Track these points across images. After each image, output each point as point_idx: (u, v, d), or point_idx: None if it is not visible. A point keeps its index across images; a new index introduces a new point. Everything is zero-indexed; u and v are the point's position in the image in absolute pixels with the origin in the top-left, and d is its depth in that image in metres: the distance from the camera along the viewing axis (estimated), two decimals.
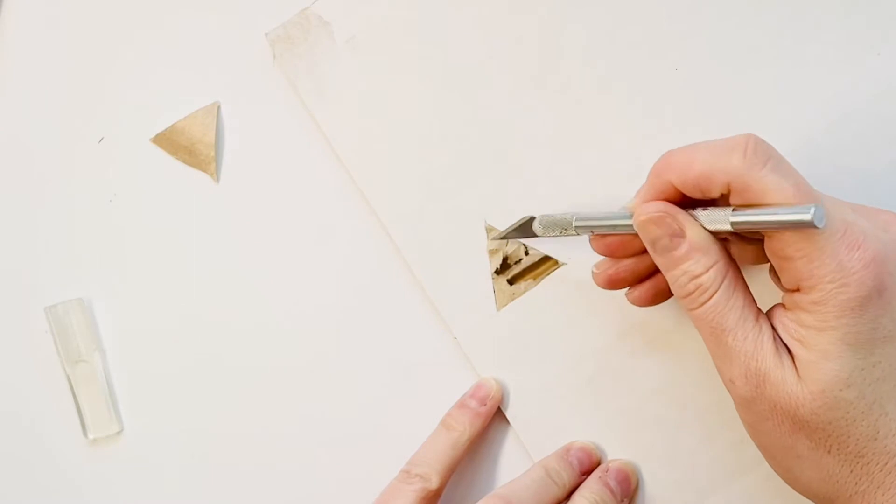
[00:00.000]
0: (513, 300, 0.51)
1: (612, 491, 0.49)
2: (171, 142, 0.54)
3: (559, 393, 0.51)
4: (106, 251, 0.54)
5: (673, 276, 0.42)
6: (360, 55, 0.52)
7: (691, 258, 0.41)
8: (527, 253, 0.51)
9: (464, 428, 0.50)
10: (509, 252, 0.51)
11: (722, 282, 0.40)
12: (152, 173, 0.54)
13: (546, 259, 0.51)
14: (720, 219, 0.40)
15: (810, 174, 0.40)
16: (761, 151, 0.39)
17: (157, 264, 0.54)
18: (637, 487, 0.50)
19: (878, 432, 0.39)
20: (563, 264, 0.51)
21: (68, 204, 0.55)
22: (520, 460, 0.51)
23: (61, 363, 0.54)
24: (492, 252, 0.51)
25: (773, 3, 0.49)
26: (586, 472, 0.50)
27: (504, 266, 0.51)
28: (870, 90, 0.49)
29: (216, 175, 0.54)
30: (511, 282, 0.51)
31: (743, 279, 0.41)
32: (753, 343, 0.40)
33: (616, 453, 0.50)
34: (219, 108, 0.54)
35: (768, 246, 0.40)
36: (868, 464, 0.40)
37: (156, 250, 0.54)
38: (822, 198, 0.39)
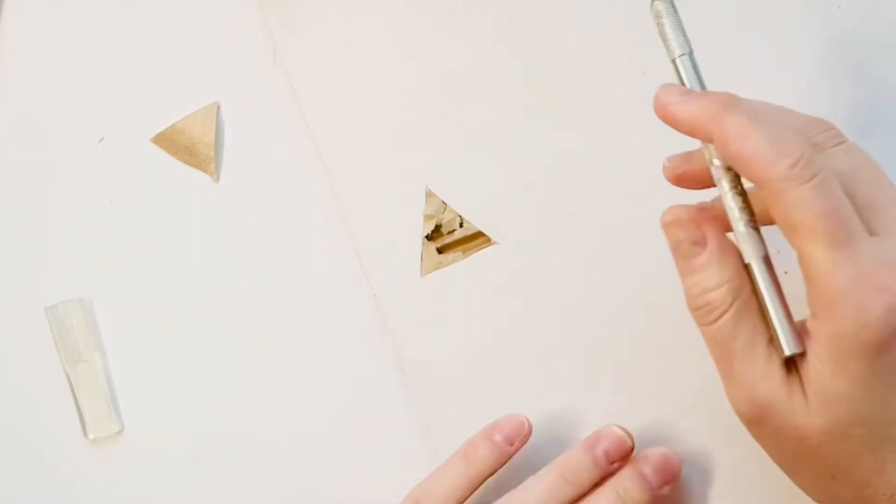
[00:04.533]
0: (438, 269, 0.51)
1: (645, 479, 0.46)
2: (172, 142, 0.54)
3: (469, 370, 0.50)
4: (106, 251, 0.55)
5: (687, 286, 0.40)
6: None
7: (707, 270, 0.39)
8: (461, 225, 0.51)
9: (484, 464, 0.47)
10: (444, 220, 0.51)
11: (733, 303, 0.39)
12: (152, 173, 0.54)
13: (479, 234, 0.51)
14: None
15: None
16: (813, 163, 0.37)
17: (158, 264, 0.54)
18: (678, 472, 0.47)
19: (885, 467, 0.38)
20: (495, 243, 0.51)
21: (68, 204, 0.55)
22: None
23: (61, 363, 0.54)
24: (427, 217, 0.51)
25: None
26: (623, 460, 0.47)
27: (436, 233, 0.51)
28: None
29: (216, 175, 0.54)
30: (440, 251, 0.51)
31: (757, 304, 0.40)
32: (761, 371, 0.39)
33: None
34: (219, 107, 0.54)
35: (800, 258, 0.38)
36: (874, 494, 0.39)
37: (156, 250, 0.54)
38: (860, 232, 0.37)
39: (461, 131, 0.51)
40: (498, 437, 0.47)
